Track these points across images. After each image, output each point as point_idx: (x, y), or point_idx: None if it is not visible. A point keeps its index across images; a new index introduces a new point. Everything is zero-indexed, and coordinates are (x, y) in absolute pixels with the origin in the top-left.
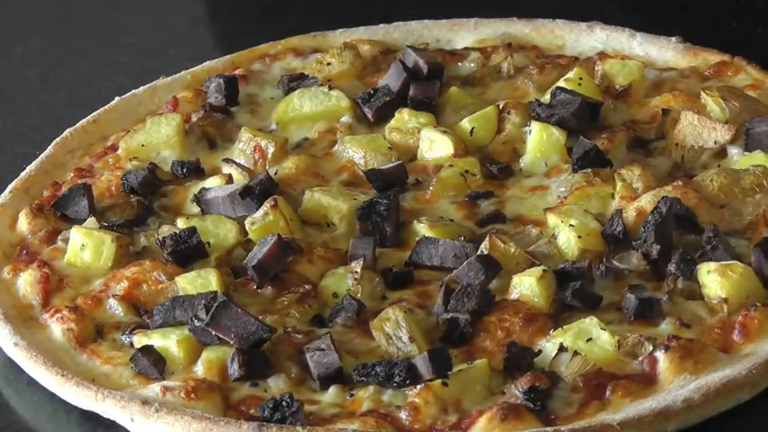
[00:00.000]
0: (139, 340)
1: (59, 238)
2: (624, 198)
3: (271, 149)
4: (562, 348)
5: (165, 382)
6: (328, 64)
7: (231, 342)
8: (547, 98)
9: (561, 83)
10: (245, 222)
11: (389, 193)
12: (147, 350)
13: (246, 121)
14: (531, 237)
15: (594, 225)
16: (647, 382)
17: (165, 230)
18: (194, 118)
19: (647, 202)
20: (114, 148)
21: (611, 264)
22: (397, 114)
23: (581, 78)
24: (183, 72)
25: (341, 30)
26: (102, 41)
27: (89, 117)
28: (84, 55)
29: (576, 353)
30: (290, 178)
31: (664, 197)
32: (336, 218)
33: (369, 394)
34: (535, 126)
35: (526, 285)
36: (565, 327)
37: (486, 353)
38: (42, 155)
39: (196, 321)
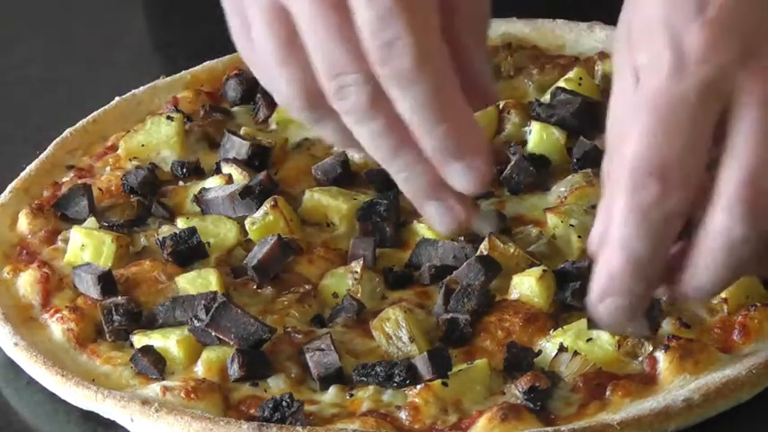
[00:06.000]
0: (139, 340)
1: (59, 238)
2: None
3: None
4: (562, 348)
5: (165, 382)
6: None
7: (231, 342)
8: (547, 98)
9: (561, 83)
10: (245, 222)
11: (389, 193)
12: (147, 350)
13: (246, 122)
14: (531, 237)
15: None
16: (647, 382)
17: (165, 230)
18: (194, 118)
19: None
20: (114, 148)
21: None
22: None
23: (581, 78)
24: (183, 72)
25: None
26: (102, 41)
27: (89, 117)
28: (84, 55)
29: (576, 353)
30: (290, 178)
31: None
32: (336, 218)
33: (369, 394)
34: (535, 126)
35: (526, 285)
36: (565, 327)
37: (486, 353)
38: (42, 155)
39: (196, 322)
